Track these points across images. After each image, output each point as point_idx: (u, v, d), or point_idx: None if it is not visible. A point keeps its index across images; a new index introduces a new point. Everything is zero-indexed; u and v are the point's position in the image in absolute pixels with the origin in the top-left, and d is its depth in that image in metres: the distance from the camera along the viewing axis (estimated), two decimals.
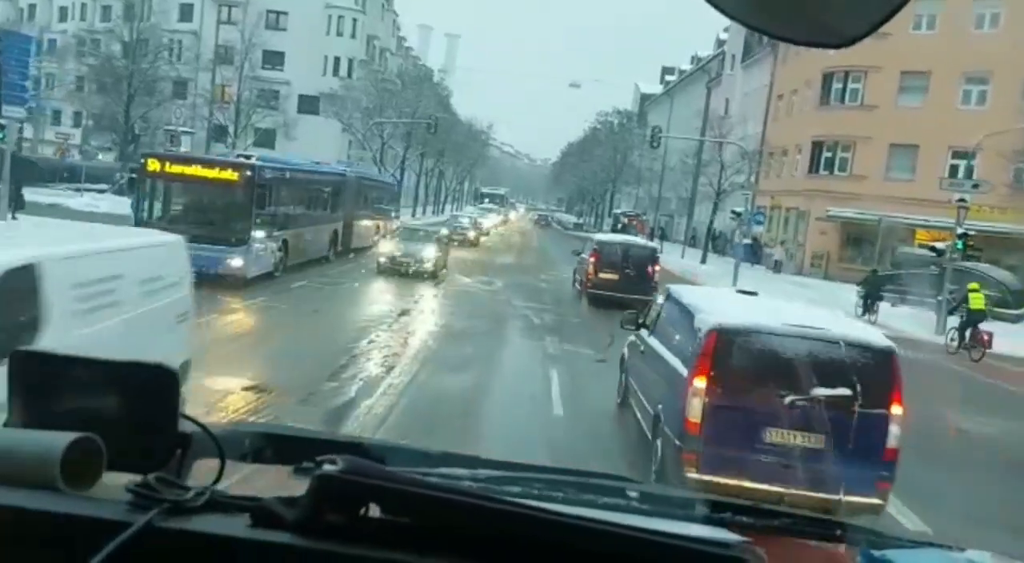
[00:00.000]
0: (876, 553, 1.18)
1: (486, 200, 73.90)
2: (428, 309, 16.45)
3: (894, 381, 6.19)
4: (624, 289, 17.67)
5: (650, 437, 7.23)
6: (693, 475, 6.05)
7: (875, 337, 6.59)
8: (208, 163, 16.51)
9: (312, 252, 20.36)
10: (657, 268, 19.51)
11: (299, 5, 51.16)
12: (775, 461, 6.03)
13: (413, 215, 46.54)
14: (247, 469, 1.27)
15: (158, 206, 16.41)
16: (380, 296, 17.85)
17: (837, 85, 35.53)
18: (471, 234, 37.28)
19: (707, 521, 1.24)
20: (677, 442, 6.37)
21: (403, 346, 12.16)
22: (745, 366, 6.36)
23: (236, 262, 15.35)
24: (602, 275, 18.81)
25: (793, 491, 5.78)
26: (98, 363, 1.06)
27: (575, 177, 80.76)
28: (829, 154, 36.15)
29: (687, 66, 74.04)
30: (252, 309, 14.44)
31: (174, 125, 33.61)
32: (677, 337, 7.33)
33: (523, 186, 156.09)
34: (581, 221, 77.92)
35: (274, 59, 51.73)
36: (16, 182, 22.91)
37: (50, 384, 1.05)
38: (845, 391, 6.01)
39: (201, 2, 51.12)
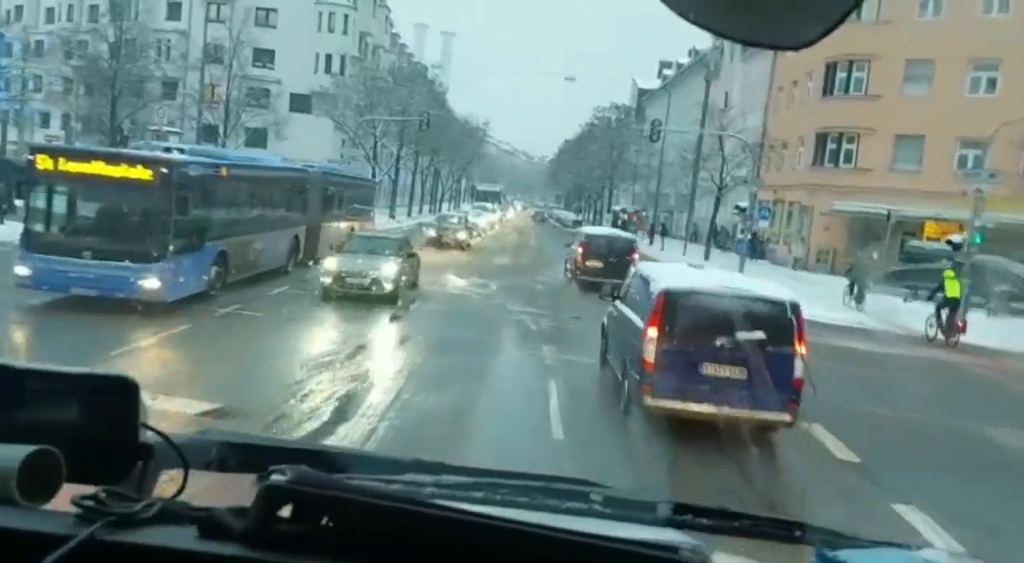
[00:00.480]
0: (831, 553, 1.19)
1: (482, 197, 70.56)
2: (388, 350, 12.45)
3: (799, 327, 8.06)
4: (608, 274, 18.86)
5: (620, 378, 9.32)
6: (649, 401, 8.05)
7: (784, 294, 8.47)
8: (113, 158, 13.29)
9: (265, 263, 17.52)
10: (636, 256, 21.40)
11: (289, 2, 50.22)
12: (710, 388, 7.89)
13: (392, 216, 44.35)
14: (210, 479, 1.23)
15: (55, 214, 13.16)
16: (325, 327, 13.87)
17: (840, 74, 34.60)
18: (460, 236, 33.27)
19: (668, 523, 1.25)
20: (637, 378, 8.31)
21: (343, 416, 8.32)
22: (686, 318, 8.22)
23: (150, 283, 12.53)
24: (589, 263, 21.70)
25: (725, 410, 7.66)
26: (57, 374, 1.05)
27: (572, 174, 79.88)
28: (833, 146, 35.22)
29: (685, 59, 73.06)
30: (146, 351, 10.75)
31: (157, 124, 32.59)
32: (639, 301, 9.21)
33: (521, 183, 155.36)
34: (580, 218, 77.05)
35: (264, 57, 50.76)
36: (6, 185, 21.98)
37: (8, 396, 1.03)
38: (760, 335, 7.86)
39: (189, 1, 50.12)
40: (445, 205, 68.94)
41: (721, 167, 35.16)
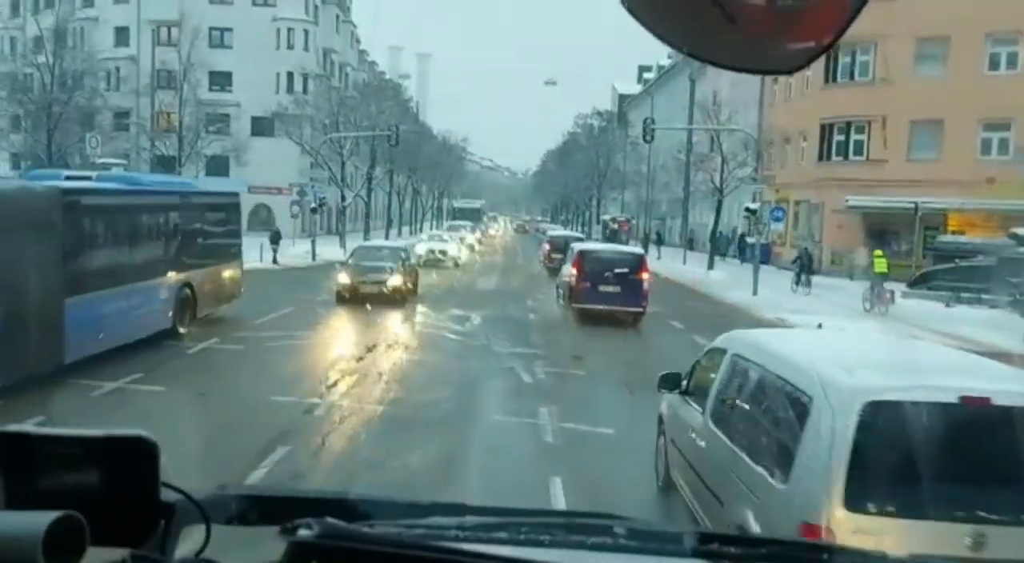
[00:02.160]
0: None
1: (461, 216, 64.00)
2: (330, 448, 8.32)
3: (645, 265, 18.11)
4: (611, 301, 17.05)
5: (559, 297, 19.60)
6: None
7: (638, 250, 22.41)
8: None
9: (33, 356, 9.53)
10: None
11: (244, 20, 47.03)
12: (604, 296, 17.05)
13: (366, 240, 38.25)
14: (232, 533, 1.21)
15: None
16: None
17: (844, 59, 31.67)
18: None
19: (694, 554, 1.25)
20: (568, 295, 17.94)
21: None
22: (590, 261, 17.71)
23: None
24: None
25: (610, 307, 16.85)
26: (75, 438, 1.07)
27: (557, 185, 76.98)
28: (841, 137, 32.25)
29: (665, 62, 70.35)
30: None
31: (91, 154, 29.28)
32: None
33: (505, 199, 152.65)
34: (549, 224, 74.14)
35: (221, 80, 47.52)
36: None
37: (28, 463, 1.05)
38: (626, 269, 17.43)
39: (137, 25, 46.91)
40: (427, 225, 65.60)
41: (721, 167, 32.06)
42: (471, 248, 43.12)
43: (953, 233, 29.06)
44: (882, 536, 3.42)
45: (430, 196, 72.40)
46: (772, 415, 4.57)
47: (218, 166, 46.78)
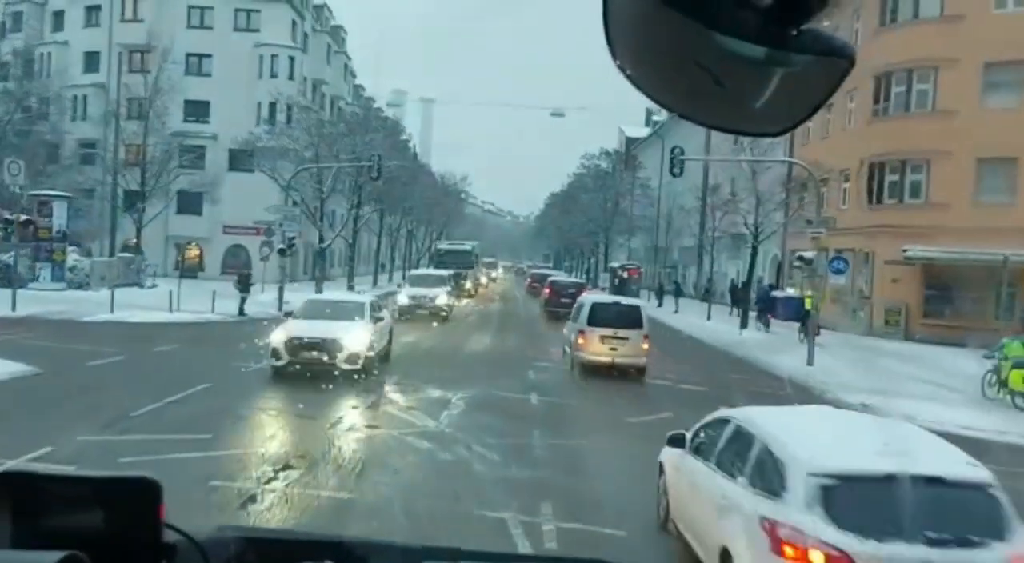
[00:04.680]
0: None
1: (446, 261, 43.58)
2: None
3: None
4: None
5: None
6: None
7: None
8: None
9: None
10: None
11: (225, 46, 43.26)
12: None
13: (351, 287, 33.79)
14: None
15: None
16: None
17: (898, 88, 27.55)
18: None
19: None
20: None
21: None
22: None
23: None
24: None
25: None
26: (81, 479, 1.09)
27: (561, 229, 72.76)
28: (894, 177, 27.94)
29: None
30: None
31: (11, 180, 25.01)
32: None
33: (506, 243, 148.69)
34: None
35: (198, 110, 43.62)
36: None
37: (35, 503, 1.06)
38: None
39: (109, 50, 43.14)
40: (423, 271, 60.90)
41: (756, 208, 27.65)
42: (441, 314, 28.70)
43: None
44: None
45: (427, 239, 68.08)
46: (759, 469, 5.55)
47: (191, 202, 42.62)
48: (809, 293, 24.54)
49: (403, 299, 28.65)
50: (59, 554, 0.91)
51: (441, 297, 28.96)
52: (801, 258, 21.15)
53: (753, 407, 6.98)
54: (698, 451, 6.59)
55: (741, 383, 17.58)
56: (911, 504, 4.69)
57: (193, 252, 45.69)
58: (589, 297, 18.94)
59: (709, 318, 31.96)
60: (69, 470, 1.10)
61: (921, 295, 26.95)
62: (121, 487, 1.08)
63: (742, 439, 5.80)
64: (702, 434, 6.78)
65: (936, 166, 26.76)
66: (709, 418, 6.83)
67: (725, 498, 5.57)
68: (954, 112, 26.10)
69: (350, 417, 11.51)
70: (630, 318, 16.35)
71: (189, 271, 44.14)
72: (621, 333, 16.01)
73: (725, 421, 6.37)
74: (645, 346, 16.20)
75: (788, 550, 4.66)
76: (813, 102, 0.77)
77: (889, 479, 4.64)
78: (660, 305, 39.54)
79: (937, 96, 26.79)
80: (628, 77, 0.77)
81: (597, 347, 15.99)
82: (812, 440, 5.44)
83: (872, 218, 27.96)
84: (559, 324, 22.94)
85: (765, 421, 5.90)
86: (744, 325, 26.99)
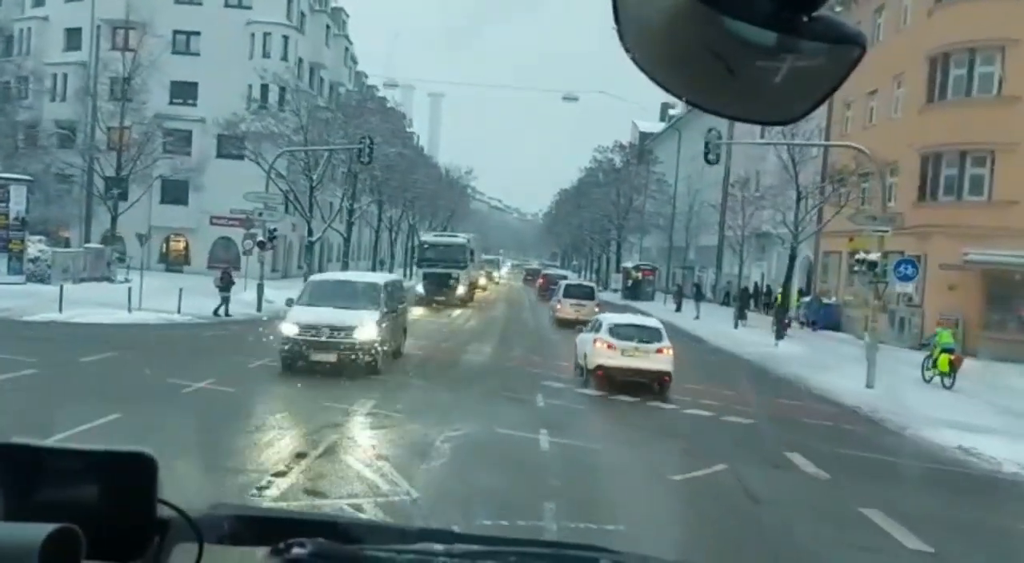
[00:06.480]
0: None
1: (434, 258, 35.58)
2: None
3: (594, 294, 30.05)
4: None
5: None
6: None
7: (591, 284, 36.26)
8: None
9: None
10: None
11: (215, 23, 40.33)
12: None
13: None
14: (224, 552, 1.20)
15: None
16: None
17: (957, 71, 24.41)
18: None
19: None
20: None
21: None
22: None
23: None
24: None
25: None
26: (77, 452, 1.08)
27: (571, 226, 69.72)
28: (952, 171, 24.80)
29: None
30: None
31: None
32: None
33: (514, 242, 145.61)
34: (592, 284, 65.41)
35: (185, 91, 40.75)
36: None
37: (29, 475, 1.07)
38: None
39: (91, 26, 40.23)
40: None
41: (796, 203, 24.56)
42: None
43: None
44: None
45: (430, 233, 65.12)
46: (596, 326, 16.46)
47: (176, 191, 39.78)
48: (778, 297, 26.26)
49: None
50: (52, 526, 0.91)
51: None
52: (860, 260, 18.07)
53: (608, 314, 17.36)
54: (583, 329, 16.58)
55: (793, 412, 14.56)
56: (635, 331, 14.87)
57: (179, 244, 42.88)
58: (608, 317, 16.37)
59: (736, 326, 28.90)
60: (66, 444, 1.07)
61: (982, 305, 23.83)
62: (117, 461, 1.06)
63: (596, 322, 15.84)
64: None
65: (1001, 159, 23.63)
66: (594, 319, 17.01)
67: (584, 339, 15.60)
68: (1023, 98, 22.97)
69: (286, 480, 8.20)
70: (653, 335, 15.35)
71: (175, 264, 41.43)
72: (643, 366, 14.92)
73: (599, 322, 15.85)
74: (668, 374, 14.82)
75: (599, 345, 14.60)
76: (824, 90, 0.76)
77: (631, 325, 15.19)
78: (678, 310, 36.45)
79: (1004, 80, 23.65)
80: (638, 64, 0.76)
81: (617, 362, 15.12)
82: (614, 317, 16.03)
83: (924, 216, 24.84)
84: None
85: (607, 316, 16.26)
86: (780, 336, 23.88)
